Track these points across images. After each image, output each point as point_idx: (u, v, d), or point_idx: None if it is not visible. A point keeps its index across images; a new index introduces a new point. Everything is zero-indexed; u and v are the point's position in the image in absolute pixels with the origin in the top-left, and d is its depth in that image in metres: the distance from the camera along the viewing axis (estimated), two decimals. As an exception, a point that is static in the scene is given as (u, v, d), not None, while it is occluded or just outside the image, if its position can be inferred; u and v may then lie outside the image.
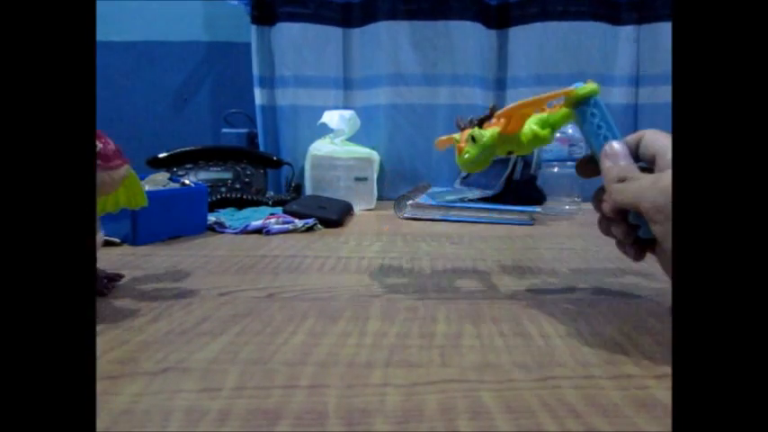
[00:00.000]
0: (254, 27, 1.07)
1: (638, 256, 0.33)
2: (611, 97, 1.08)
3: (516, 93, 1.09)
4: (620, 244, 0.34)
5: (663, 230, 0.28)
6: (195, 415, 0.21)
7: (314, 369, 0.26)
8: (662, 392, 0.23)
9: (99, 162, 0.33)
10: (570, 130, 0.86)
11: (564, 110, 0.35)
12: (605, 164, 0.32)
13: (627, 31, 1.07)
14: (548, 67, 1.07)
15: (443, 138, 0.40)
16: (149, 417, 0.21)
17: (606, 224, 0.34)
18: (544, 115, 0.36)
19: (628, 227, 0.32)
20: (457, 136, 0.38)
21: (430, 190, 0.97)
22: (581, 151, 0.85)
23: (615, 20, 1.07)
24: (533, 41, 1.07)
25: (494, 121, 0.37)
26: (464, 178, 1.05)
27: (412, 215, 0.80)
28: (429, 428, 0.20)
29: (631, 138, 0.33)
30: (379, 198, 0.96)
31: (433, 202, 0.81)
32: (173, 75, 1.23)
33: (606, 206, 0.32)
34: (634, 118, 1.09)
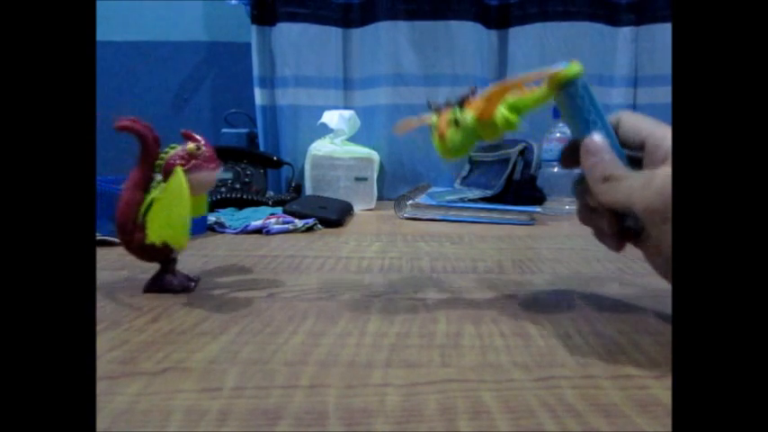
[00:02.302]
0: (254, 27, 1.07)
1: (619, 246, 0.31)
2: (610, 98, 1.08)
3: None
4: (600, 235, 0.32)
5: (659, 232, 0.27)
6: (195, 415, 0.21)
7: (314, 369, 0.26)
8: (662, 392, 0.23)
9: (204, 163, 0.37)
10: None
11: (537, 93, 0.32)
12: (588, 161, 0.30)
13: (625, 32, 1.07)
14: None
15: (411, 119, 0.36)
16: (149, 417, 0.21)
17: (587, 213, 0.32)
18: (513, 99, 0.32)
19: (614, 217, 0.31)
20: (432, 118, 0.34)
21: (430, 190, 0.97)
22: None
23: (614, 21, 1.07)
24: (533, 42, 1.07)
25: (472, 102, 0.33)
26: (464, 178, 1.05)
27: (412, 215, 0.80)
28: (429, 428, 0.20)
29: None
30: (379, 198, 0.96)
31: (433, 202, 0.81)
32: (173, 75, 1.23)
33: (591, 198, 0.31)
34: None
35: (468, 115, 0.32)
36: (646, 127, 0.29)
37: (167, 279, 0.39)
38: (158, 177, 0.38)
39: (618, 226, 0.31)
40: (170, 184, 0.35)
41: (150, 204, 0.36)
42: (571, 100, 0.31)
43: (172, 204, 0.35)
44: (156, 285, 0.39)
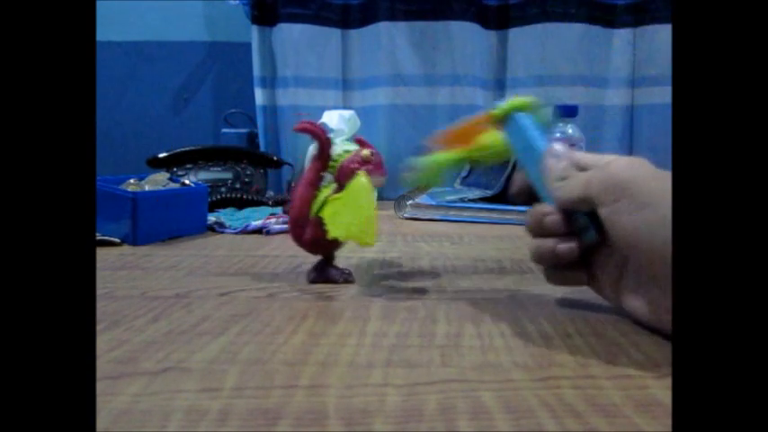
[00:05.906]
0: (255, 27, 1.07)
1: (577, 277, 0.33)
2: (608, 99, 1.08)
3: (516, 93, 1.09)
4: (563, 276, 0.34)
5: (610, 211, 0.28)
6: (195, 415, 0.21)
7: (314, 369, 0.26)
8: (662, 392, 0.23)
9: (374, 169, 0.40)
10: (570, 130, 0.86)
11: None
12: (549, 162, 0.32)
13: (623, 33, 1.08)
14: (547, 68, 1.07)
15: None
16: (149, 417, 0.21)
17: (552, 273, 0.34)
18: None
19: (575, 239, 0.32)
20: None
21: (430, 190, 0.97)
22: (581, 151, 0.85)
23: (612, 23, 1.08)
24: (533, 43, 1.07)
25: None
26: (464, 178, 1.05)
27: (412, 215, 0.80)
28: (429, 428, 0.20)
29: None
30: (379, 198, 0.96)
31: (433, 202, 0.81)
32: (173, 75, 1.22)
33: (551, 219, 0.31)
34: (630, 119, 1.09)
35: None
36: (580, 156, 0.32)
37: (331, 271, 0.42)
38: (328, 177, 0.41)
39: (580, 248, 0.32)
40: (353, 186, 0.38)
41: (324, 202, 0.39)
42: (509, 134, 0.36)
43: (358, 205, 0.38)
44: (321, 276, 0.42)
